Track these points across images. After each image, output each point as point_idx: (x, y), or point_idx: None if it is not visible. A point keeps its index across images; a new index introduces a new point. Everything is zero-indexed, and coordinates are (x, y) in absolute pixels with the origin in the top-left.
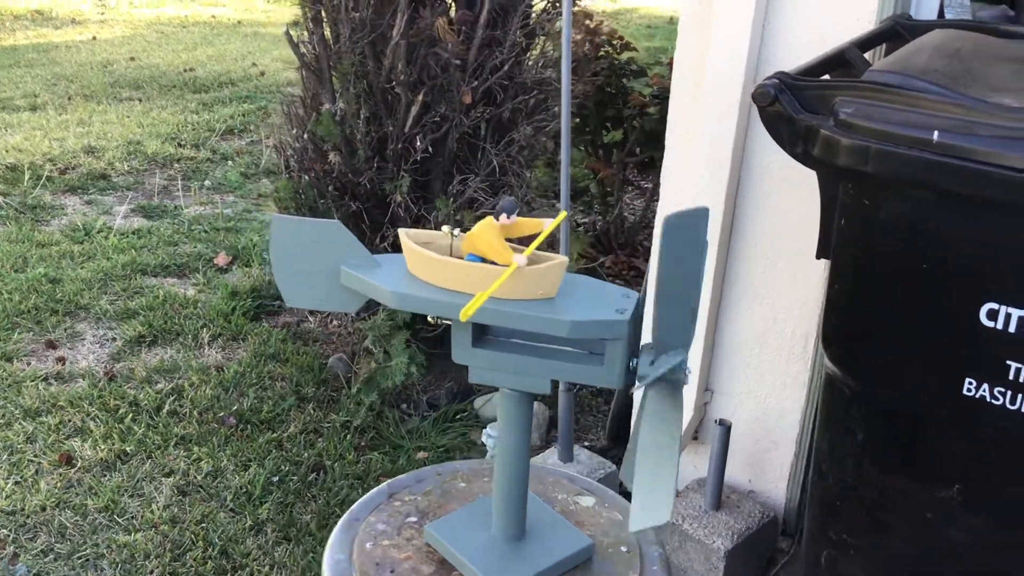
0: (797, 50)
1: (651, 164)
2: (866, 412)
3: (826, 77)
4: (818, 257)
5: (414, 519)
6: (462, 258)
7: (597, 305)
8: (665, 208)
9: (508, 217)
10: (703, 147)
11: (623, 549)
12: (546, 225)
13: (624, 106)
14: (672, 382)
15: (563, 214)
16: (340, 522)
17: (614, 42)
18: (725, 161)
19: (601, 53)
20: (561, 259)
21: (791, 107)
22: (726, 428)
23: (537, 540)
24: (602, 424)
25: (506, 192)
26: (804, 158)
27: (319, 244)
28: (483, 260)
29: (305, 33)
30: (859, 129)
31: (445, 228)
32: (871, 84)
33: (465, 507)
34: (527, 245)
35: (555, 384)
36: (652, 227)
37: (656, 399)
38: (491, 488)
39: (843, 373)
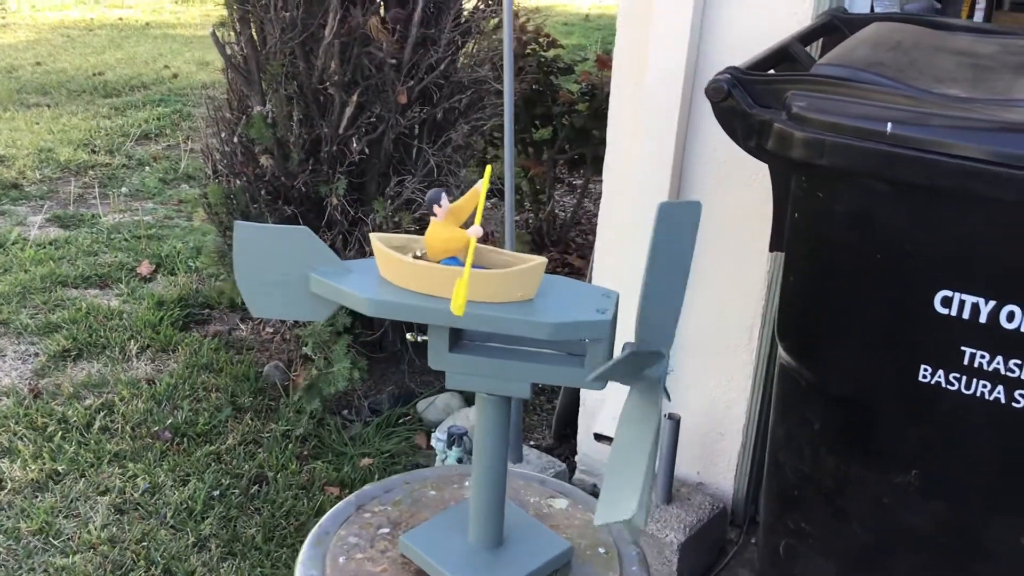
0: (735, 44)
1: (581, 161)
2: (822, 402)
3: (771, 72)
4: (771, 250)
5: (386, 530)
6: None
7: (577, 305)
8: (608, 205)
9: (441, 205)
10: (646, 142)
11: (601, 551)
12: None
13: (553, 103)
14: (653, 380)
15: (488, 168)
16: (310, 537)
17: (540, 39)
18: (668, 155)
19: (528, 51)
20: (539, 260)
21: (744, 102)
22: (675, 422)
23: (515, 546)
24: (547, 423)
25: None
26: (757, 152)
27: (286, 251)
28: (459, 262)
29: (232, 34)
30: (813, 122)
31: (409, 255)
32: (822, 78)
33: (439, 515)
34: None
35: None
36: (584, 224)
37: (637, 397)
38: (462, 495)
39: (798, 364)
